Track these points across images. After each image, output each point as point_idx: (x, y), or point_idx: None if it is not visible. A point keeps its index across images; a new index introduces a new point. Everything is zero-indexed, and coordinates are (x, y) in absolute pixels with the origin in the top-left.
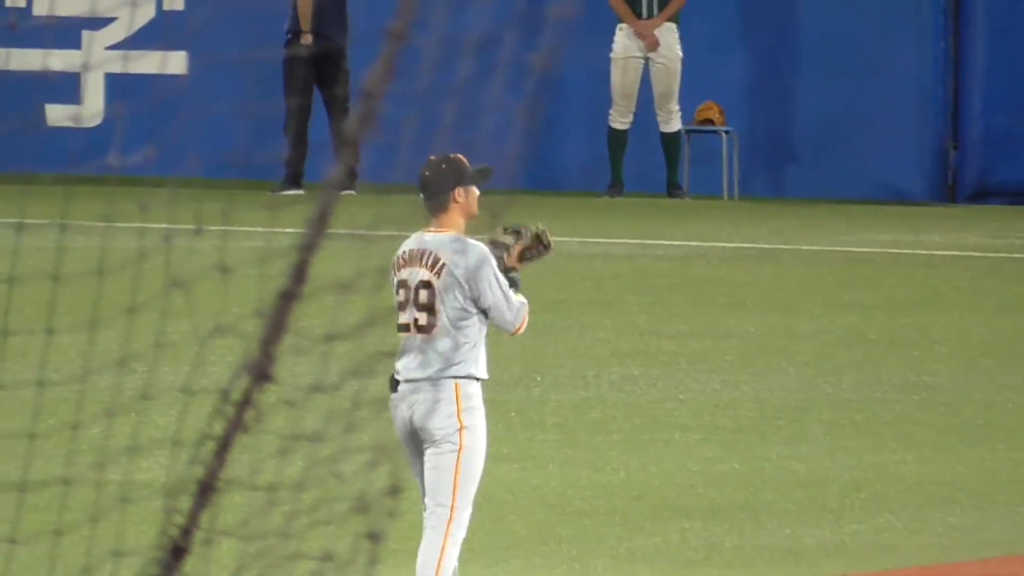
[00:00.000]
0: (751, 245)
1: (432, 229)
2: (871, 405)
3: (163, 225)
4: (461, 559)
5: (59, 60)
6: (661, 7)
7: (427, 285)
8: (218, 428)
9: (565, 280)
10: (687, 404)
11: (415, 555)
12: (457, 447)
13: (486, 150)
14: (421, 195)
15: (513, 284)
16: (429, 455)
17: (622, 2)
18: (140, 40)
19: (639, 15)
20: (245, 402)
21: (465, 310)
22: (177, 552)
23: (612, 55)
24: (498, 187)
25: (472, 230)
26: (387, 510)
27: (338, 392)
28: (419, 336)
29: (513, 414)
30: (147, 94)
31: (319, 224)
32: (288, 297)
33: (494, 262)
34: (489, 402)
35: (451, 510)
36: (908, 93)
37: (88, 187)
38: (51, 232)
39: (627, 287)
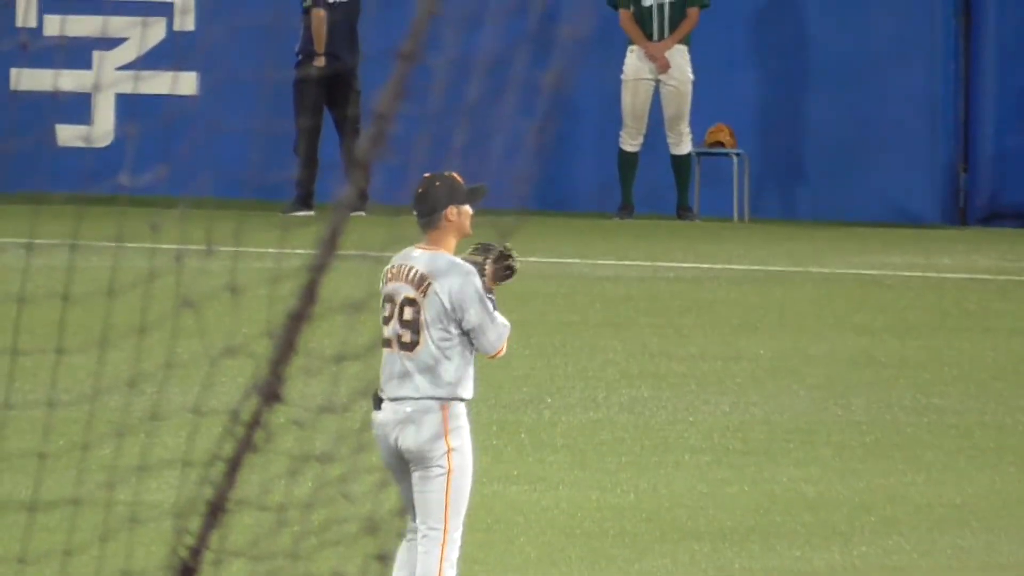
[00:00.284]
0: (761, 267)
1: (422, 246)
2: (881, 427)
3: (174, 245)
4: None
5: (70, 80)
6: (672, 29)
7: (412, 303)
8: (228, 448)
9: (575, 301)
10: (697, 426)
11: None
12: (446, 469)
13: (496, 170)
14: (414, 211)
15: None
16: (417, 478)
17: (633, 24)
18: (151, 60)
19: (650, 37)
20: (255, 422)
21: (448, 330)
22: (187, 572)
23: (623, 76)
24: (509, 207)
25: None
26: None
27: (348, 413)
28: (402, 353)
29: (523, 435)
30: (158, 114)
31: (329, 245)
32: (298, 318)
33: (479, 282)
34: (499, 423)
35: (443, 532)
36: (919, 115)
37: (99, 207)
38: (62, 252)
39: (637, 309)
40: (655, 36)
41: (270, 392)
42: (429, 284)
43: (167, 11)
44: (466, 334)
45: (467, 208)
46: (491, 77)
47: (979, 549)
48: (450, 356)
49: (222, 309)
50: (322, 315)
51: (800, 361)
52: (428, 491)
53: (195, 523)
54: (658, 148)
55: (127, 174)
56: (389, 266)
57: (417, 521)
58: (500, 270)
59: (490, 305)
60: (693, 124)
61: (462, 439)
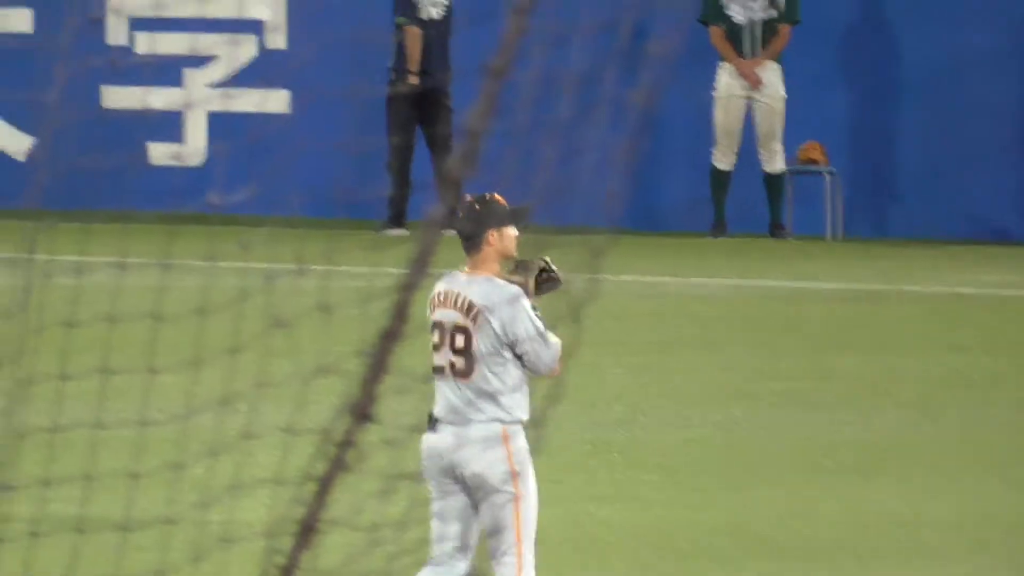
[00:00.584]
0: (854, 286)
1: (467, 270)
2: (974, 446)
3: (264, 264)
4: None
5: (160, 98)
6: (763, 45)
7: (462, 330)
8: (320, 468)
9: (667, 321)
10: (789, 445)
11: None
12: (513, 496)
13: (587, 188)
14: (456, 234)
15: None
16: (485, 507)
17: (724, 40)
18: (241, 78)
19: (741, 54)
20: (347, 442)
21: (502, 355)
22: None
23: (715, 94)
24: (600, 225)
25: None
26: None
27: None
28: (457, 380)
29: (616, 454)
30: (248, 132)
31: (420, 263)
32: (390, 337)
33: (527, 303)
34: (592, 442)
35: (518, 557)
36: (1011, 131)
37: (190, 226)
38: (153, 271)
39: (730, 327)
40: (747, 53)
41: (362, 411)
42: (479, 312)
43: (257, 28)
44: (519, 357)
45: (510, 230)
46: (581, 93)
47: None
48: (504, 380)
49: (314, 328)
50: (413, 334)
51: (892, 380)
52: (499, 519)
53: (287, 543)
54: (750, 166)
55: (218, 192)
56: (435, 292)
57: (490, 548)
58: (542, 285)
59: (541, 325)
60: (785, 142)
61: (523, 461)
